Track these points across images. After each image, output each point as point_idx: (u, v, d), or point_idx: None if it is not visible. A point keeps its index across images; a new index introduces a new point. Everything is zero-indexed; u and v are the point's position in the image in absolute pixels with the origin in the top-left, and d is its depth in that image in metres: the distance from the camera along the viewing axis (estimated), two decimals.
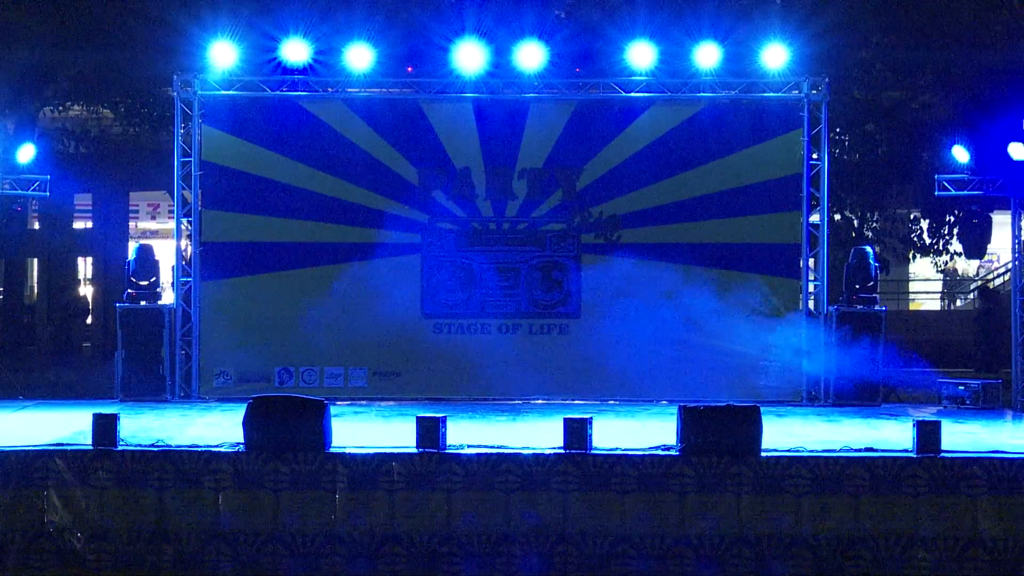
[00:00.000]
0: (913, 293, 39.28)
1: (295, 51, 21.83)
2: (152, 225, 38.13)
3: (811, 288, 22.25)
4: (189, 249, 22.69)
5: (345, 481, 15.44)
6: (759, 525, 15.29)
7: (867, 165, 28.74)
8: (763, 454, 15.50)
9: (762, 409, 15.81)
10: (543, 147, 22.37)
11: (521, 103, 22.37)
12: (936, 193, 21.56)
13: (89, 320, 33.31)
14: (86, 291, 35.08)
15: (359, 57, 21.90)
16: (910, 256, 32.81)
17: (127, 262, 22.69)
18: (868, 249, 22.77)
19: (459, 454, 15.59)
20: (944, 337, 29.67)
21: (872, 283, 22.15)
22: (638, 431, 17.87)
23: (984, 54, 26.63)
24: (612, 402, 21.84)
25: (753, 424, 15.56)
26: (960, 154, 21.20)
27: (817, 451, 15.79)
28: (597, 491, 15.35)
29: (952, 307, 38.68)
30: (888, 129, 28.87)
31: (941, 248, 31.01)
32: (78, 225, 35.26)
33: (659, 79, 22.09)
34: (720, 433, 15.46)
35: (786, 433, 17.29)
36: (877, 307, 22.04)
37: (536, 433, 17.30)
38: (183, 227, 22.60)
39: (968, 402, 21.00)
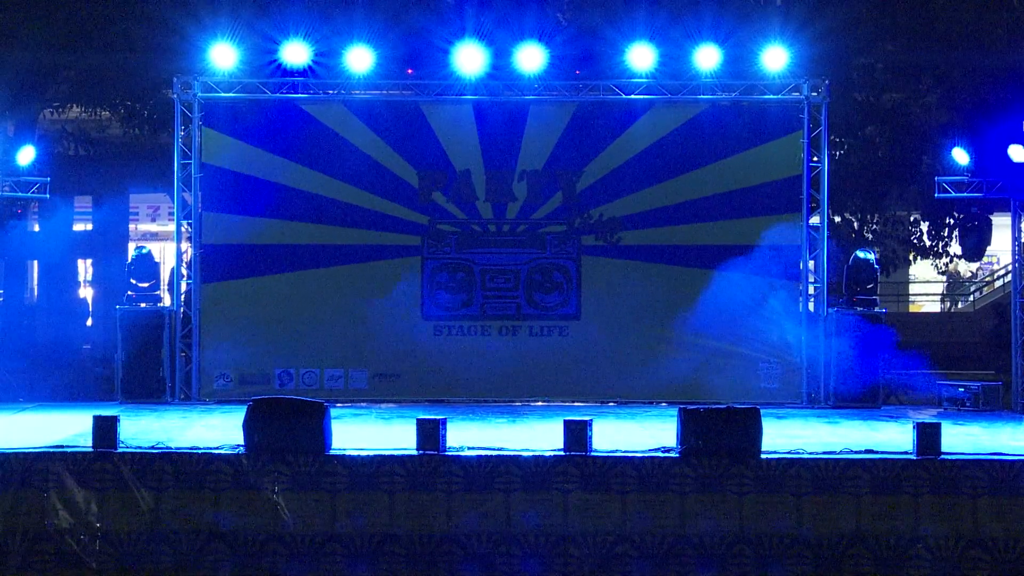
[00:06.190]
0: (913, 295, 39.29)
1: (295, 53, 21.84)
2: (152, 227, 38.13)
3: (811, 290, 22.26)
4: (189, 251, 22.69)
5: (345, 483, 15.43)
6: (760, 525, 15.28)
7: (867, 167, 28.74)
8: (763, 456, 15.49)
9: (762, 411, 15.79)
10: (543, 149, 22.39)
11: (521, 105, 22.39)
12: (936, 195, 21.57)
13: (89, 322, 33.28)
14: (86, 293, 35.06)
15: (359, 59, 21.92)
16: (910, 258, 32.81)
17: (127, 264, 22.70)
18: (868, 251, 22.79)
19: (459, 456, 15.59)
20: (944, 339, 29.66)
21: (872, 285, 22.18)
22: (638, 433, 17.87)
23: (984, 56, 26.64)
24: (612, 404, 21.85)
25: (753, 426, 15.55)
26: (960, 156, 21.22)
27: (817, 453, 15.78)
28: (597, 492, 15.34)
29: (953, 309, 38.67)
30: (888, 131, 28.87)
31: (941, 250, 31.00)
32: (78, 227, 35.23)
33: (659, 81, 22.11)
34: (720, 435, 15.45)
35: (786, 435, 17.28)
36: (877, 309, 22.06)
37: (536, 435, 17.30)
38: (183, 229, 22.61)
39: (968, 404, 21.02)
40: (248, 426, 15.66)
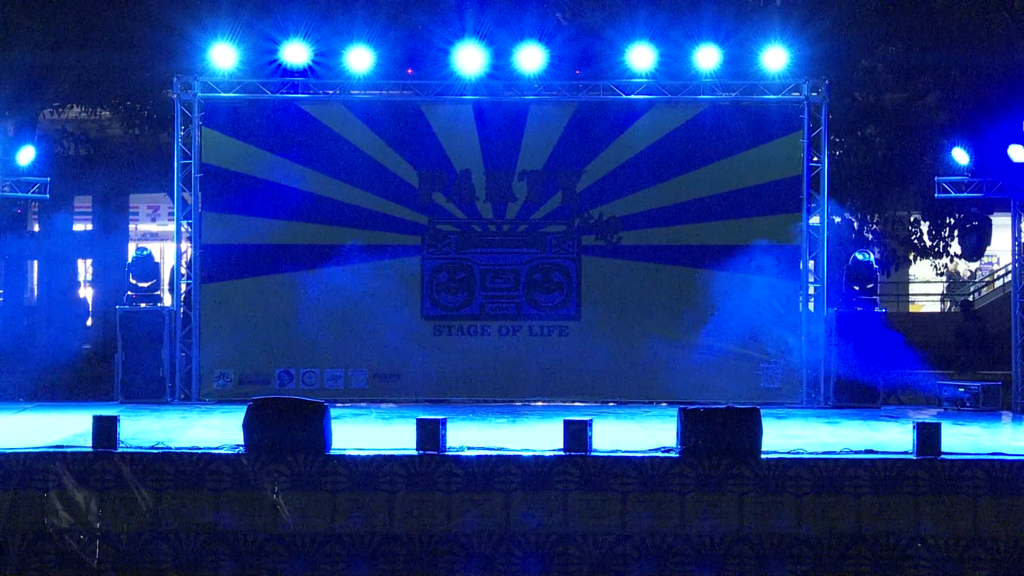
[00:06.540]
0: (913, 295, 39.29)
1: (295, 53, 21.83)
2: (152, 227, 38.15)
3: (811, 290, 22.26)
4: (189, 251, 22.69)
5: (345, 483, 15.42)
6: (760, 525, 15.27)
7: (867, 167, 28.76)
8: (763, 456, 15.48)
9: (762, 411, 15.78)
10: (543, 149, 22.38)
11: (521, 105, 22.39)
12: (936, 195, 21.58)
13: (89, 322, 33.29)
14: (86, 293, 35.08)
15: (359, 59, 21.91)
16: (910, 258, 32.84)
17: (127, 264, 22.70)
18: (867, 252, 22.80)
19: (459, 456, 15.58)
20: (944, 339, 29.67)
21: (872, 285, 22.18)
22: (638, 433, 17.87)
23: (984, 56, 26.66)
24: (612, 404, 21.85)
25: (753, 426, 15.53)
26: (960, 156, 21.22)
27: (817, 453, 15.78)
28: (597, 492, 15.33)
29: (953, 309, 38.66)
30: (888, 131, 28.89)
31: (941, 250, 31.03)
32: (78, 227, 35.26)
33: (659, 81, 22.11)
34: (720, 435, 15.44)
35: (786, 435, 17.28)
36: (877, 309, 22.06)
37: (536, 435, 17.29)
38: (183, 229, 22.61)
39: (968, 404, 21.02)
40: (248, 426, 15.65)
